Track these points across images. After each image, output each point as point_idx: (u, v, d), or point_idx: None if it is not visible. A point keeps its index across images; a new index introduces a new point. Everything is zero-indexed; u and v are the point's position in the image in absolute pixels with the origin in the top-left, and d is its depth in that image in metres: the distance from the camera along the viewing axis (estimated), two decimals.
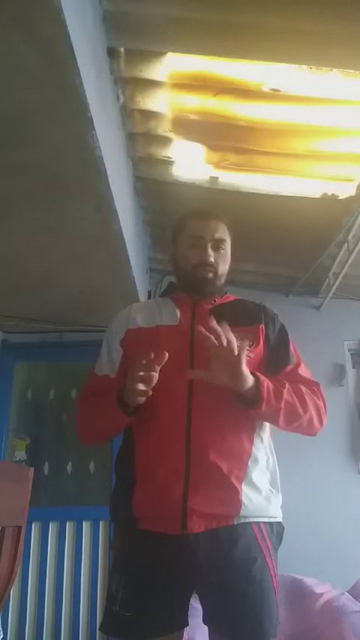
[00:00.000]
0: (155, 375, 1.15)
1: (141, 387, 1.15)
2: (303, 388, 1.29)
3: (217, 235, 1.41)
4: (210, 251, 1.38)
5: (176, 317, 1.36)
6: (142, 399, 1.18)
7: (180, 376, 1.21)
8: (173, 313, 1.37)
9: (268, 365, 1.31)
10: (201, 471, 1.16)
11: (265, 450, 1.27)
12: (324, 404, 1.32)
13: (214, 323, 1.18)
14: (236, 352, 1.15)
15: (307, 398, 1.26)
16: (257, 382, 1.19)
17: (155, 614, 1.13)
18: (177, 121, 2.14)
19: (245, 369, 1.16)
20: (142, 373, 1.15)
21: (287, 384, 1.25)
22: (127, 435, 1.31)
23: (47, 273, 2.54)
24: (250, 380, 1.18)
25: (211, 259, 1.38)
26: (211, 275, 1.38)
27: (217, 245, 1.40)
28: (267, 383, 1.21)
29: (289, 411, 1.22)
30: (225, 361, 1.16)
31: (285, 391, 1.22)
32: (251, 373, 1.20)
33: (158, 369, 1.16)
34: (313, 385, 1.33)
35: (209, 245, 1.39)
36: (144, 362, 1.15)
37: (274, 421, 1.25)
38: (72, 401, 3.24)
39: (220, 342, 1.15)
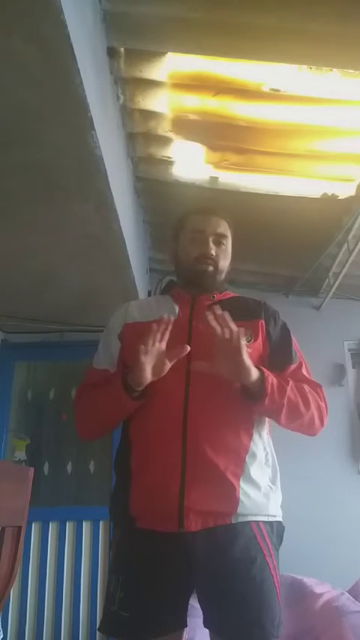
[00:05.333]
0: (161, 348, 1.19)
1: (144, 358, 1.17)
2: (306, 387, 1.29)
3: (219, 230, 1.41)
4: (211, 244, 1.39)
5: (174, 312, 1.35)
6: (148, 379, 1.18)
7: (177, 371, 1.21)
8: (172, 308, 1.37)
9: (271, 363, 1.31)
10: (198, 467, 1.16)
11: (263, 445, 1.26)
12: (325, 405, 1.32)
13: (219, 311, 1.19)
14: (236, 343, 1.15)
15: (309, 397, 1.27)
16: (262, 377, 1.19)
17: (153, 614, 1.12)
18: (177, 121, 2.13)
19: (247, 360, 1.16)
20: (150, 342, 1.18)
21: (291, 382, 1.26)
22: (124, 432, 1.30)
23: (47, 273, 2.54)
24: (253, 372, 1.17)
25: (212, 252, 1.38)
26: (211, 268, 1.38)
27: (219, 240, 1.41)
28: (271, 378, 1.20)
29: (291, 408, 1.22)
30: (226, 352, 1.16)
31: (288, 388, 1.22)
32: (256, 367, 1.20)
33: (174, 360, 1.18)
34: (316, 386, 1.33)
35: (211, 239, 1.40)
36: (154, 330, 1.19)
37: (276, 417, 1.25)
38: (72, 401, 3.20)
39: (223, 333, 1.16)
